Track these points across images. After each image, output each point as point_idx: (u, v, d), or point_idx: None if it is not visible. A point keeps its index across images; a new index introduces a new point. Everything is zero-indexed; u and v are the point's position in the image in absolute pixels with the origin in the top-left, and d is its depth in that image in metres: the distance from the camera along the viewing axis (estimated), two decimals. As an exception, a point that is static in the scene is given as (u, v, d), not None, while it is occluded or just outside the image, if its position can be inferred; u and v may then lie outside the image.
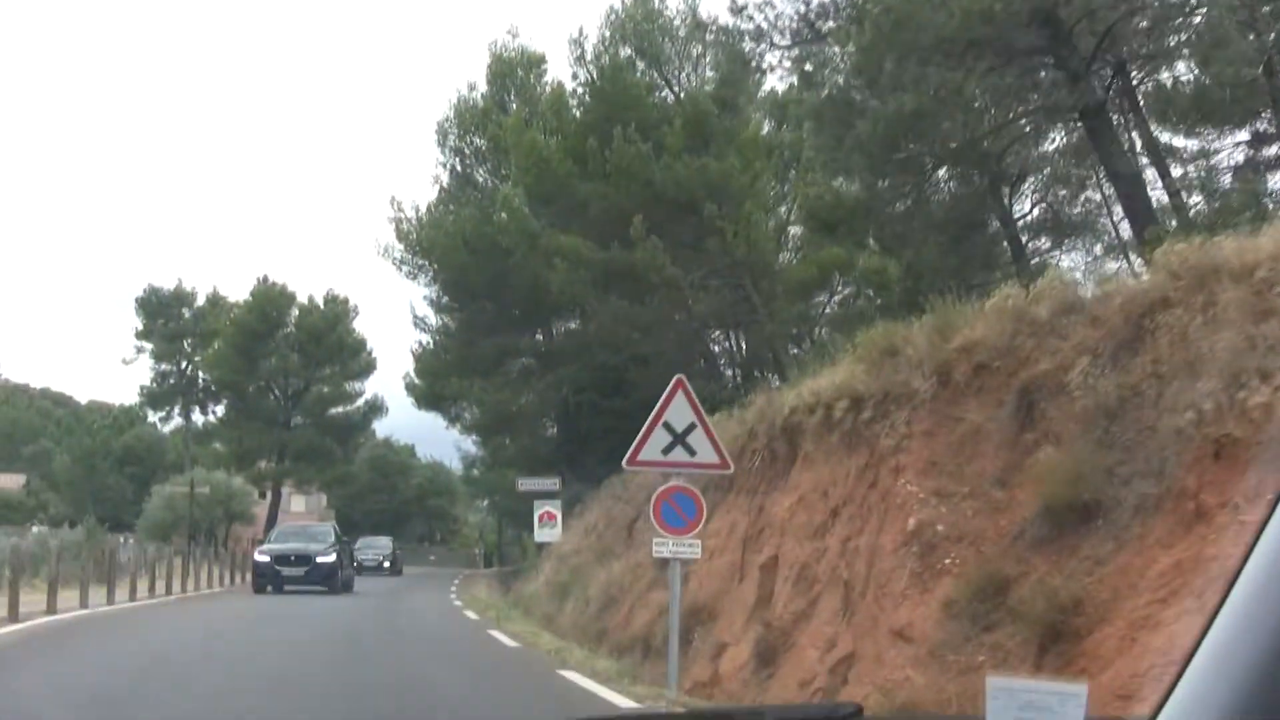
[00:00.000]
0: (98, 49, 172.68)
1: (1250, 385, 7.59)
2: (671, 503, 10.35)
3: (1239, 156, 22.90)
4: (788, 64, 23.18)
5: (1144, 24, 20.67)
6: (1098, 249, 28.00)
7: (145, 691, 10.99)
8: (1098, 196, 27.07)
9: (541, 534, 32.37)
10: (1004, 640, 9.02)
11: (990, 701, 2.04)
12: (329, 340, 71.12)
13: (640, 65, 37.97)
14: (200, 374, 76.24)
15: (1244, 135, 22.65)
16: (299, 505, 79.73)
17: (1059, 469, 9.53)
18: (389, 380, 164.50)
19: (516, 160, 38.13)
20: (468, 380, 44.66)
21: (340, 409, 74.01)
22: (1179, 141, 24.06)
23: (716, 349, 41.59)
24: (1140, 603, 7.66)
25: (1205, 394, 7.92)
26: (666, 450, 10.25)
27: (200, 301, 78.32)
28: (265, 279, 71.13)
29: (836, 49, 22.65)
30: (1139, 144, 23.97)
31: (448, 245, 42.04)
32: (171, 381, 77.73)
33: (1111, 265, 24.89)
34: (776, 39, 23.33)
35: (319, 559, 33.56)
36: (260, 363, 69.65)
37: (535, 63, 44.39)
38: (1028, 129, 23.46)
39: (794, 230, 39.96)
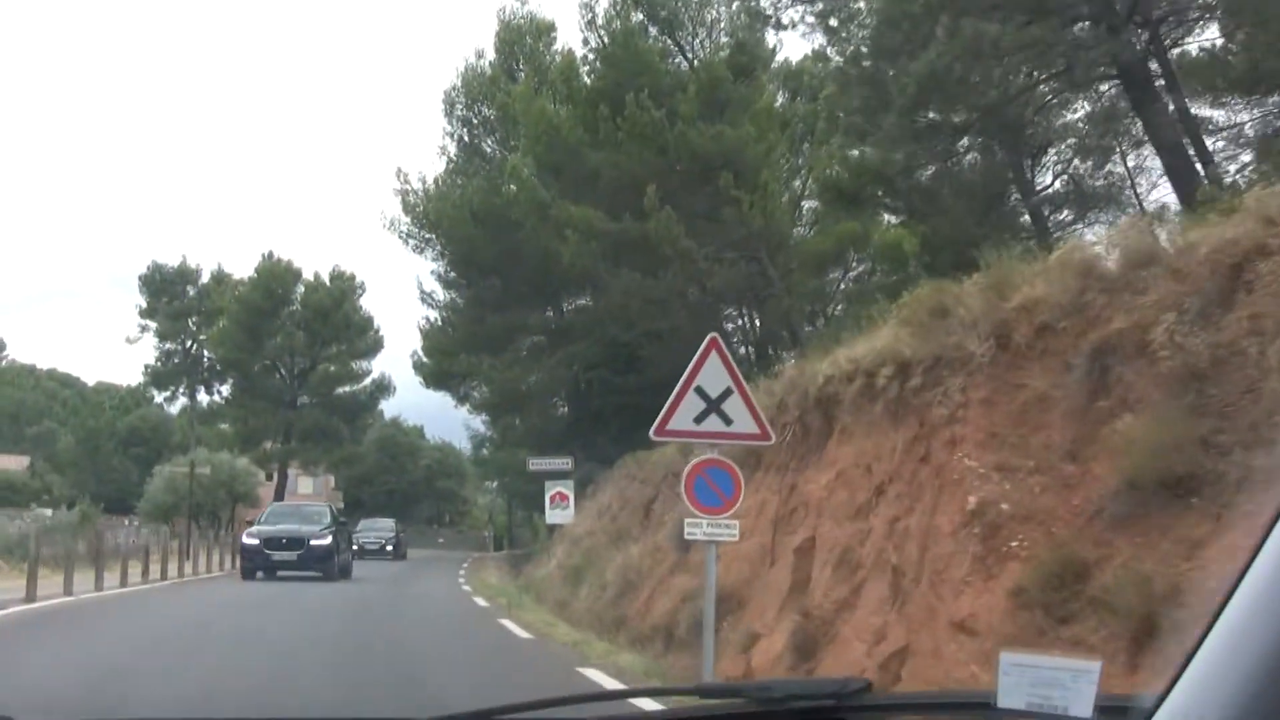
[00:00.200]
0: (97, 24, 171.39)
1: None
2: (705, 478, 9.15)
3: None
4: (810, 19, 21.91)
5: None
6: (1122, 222, 27.02)
7: (101, 694, 9.76)
8: (1121, 169, 26.63)
9: (553, 515, 31.46)
10: (1086, 634, 7.88)
11: (1002, 678, 2.05)
12: (335, 318, 69.97)
13: (653, 31, 36.81)
14: (205, 353, 75.15)
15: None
16: (306, 487, 78.64)
17: (1143, 439, 8.41)
18: (397, 360, 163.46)
19: (526, 129, 36.99)
20: (476, 357, 43.57)
21: (347, 388, 72.91)
22: (1207, 111, 23.32)
23: (730, 327, 40.58)
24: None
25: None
26: (699, 419, 9.06)
27: (205, 279, 77.16)
28: (270, 255, 70.23)
29: (863, 2, 21.50)
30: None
31: (455, 218, 40.93)
32: (176, 361, 76.55)
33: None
34: (798, -10, 22.19)
35: (313, 542, 30.88)
36: (266, 341, 68.48)
37: (545, 30, 43.30)
38: (1062, 88, 22.29)
39: (807, 205, 38.94)
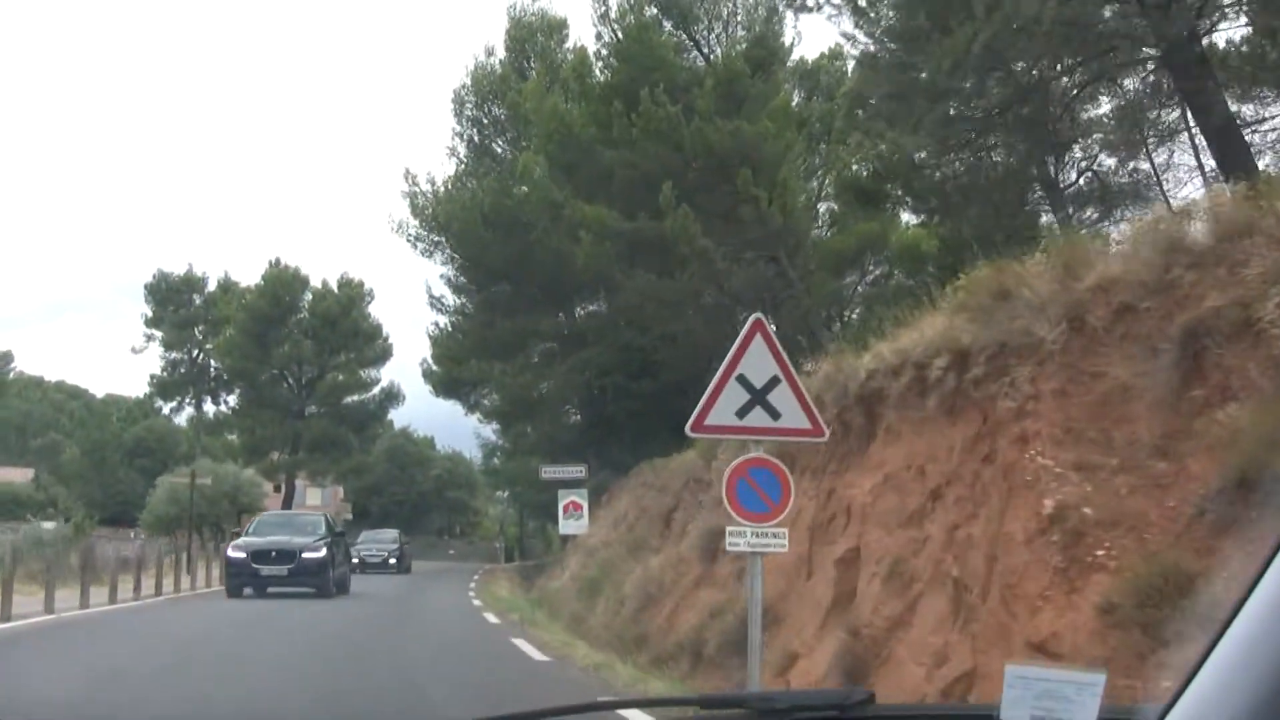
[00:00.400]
0: (98, 32, 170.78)
1: None
2: (749, 480, 7.95)
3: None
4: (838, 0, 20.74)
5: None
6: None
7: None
8: (1147, 166, 25.80)
9: (567, 525, 30.44)
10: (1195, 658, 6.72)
11: (1007, 690, 2.06)
12: (344, 325, 68.89)
13: (667, 26, 35.75)
14: (212, 362, 74.14)
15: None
16: (314, 498, 77.59)
17: (1252, 430, 7.30)
18: (406, 368, 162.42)
19: (537, 127, 35.95)
20: (487, 364, 42.54)
21: (356, 397, 71.78)
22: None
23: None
24: None
25: None
26: (742, 412, 7.87)
27: (211, 287, 76.15)
28: (278, 262, 69.11)
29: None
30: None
31: (465, 220, 39.83)
32: (182, 370, 75.55)
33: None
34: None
35: (305, 554, 28.21)
36: (273, 350, 67.39)
37: (556, 27, 42.34)
38: (1099, 71, 21.19)
39: (824, 207, 37.93)
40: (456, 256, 42.49)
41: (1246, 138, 21.42)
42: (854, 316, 36.35)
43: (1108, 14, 19.08)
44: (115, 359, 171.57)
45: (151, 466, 70.70)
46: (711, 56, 35.98)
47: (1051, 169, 26.23)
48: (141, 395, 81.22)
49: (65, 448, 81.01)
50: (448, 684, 12.09)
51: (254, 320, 66.76)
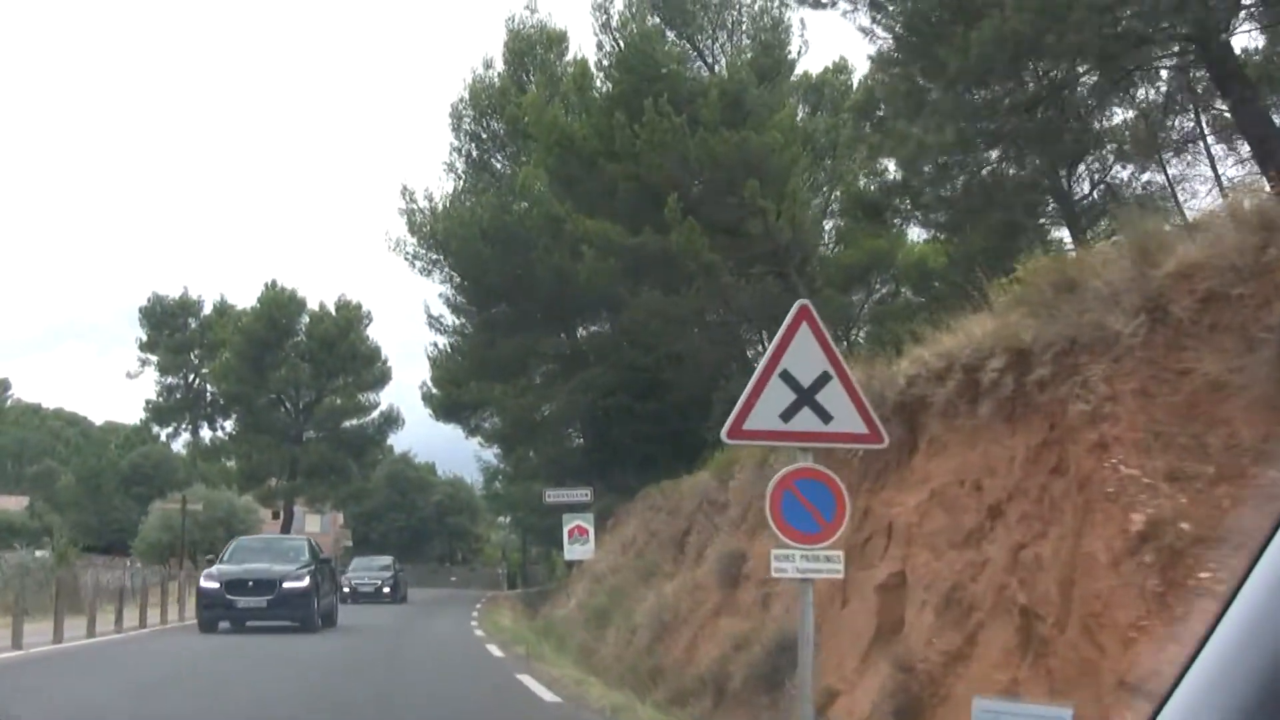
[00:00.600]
0: (90, 46, 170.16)
1: None
2: (796, 493, 6.78)
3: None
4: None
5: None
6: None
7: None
8: (1158, 179, 25.19)
9: (572, 550, 29.51)
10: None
11: None
12: (341, 348, 67.85)
13: (670, 35, 34.82)
14: (208, 387, 73.04)
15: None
16: (313, 524, 76.42)
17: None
18: (405, 392, 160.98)
19: (538, 140, 34.94)
20: (487, 385, 41.39)
21: (354, 421, 70.64)
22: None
23: (751, 354, 38.57)
24: None
25: None
26: (788, 415, 6.76)
27: (207, 310, 75.10)
28: (274, 284, 68.06)
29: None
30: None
31: (464, 237, 38.76)
32: (178, 395, 74.53)
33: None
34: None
35: (286, 584, 25.46)
36: (269, 373, 66.25)
37: (556, 40, 41.39)
38: (1131, 63, 20.24)
39: (829, 225, 37.05)
40: (455, 275, 41.46)
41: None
42: (861, 337, 35.38)
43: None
44: (115, 386, 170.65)
45: (148, 494, 69.57)
46: (716, 67, 35.10)
47: (1065, 181, 25.54)
48: (139, 422, 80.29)
49: (61, 475, 79.92)
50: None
51: (250, 344, 65.76)
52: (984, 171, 23.96)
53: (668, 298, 31.77)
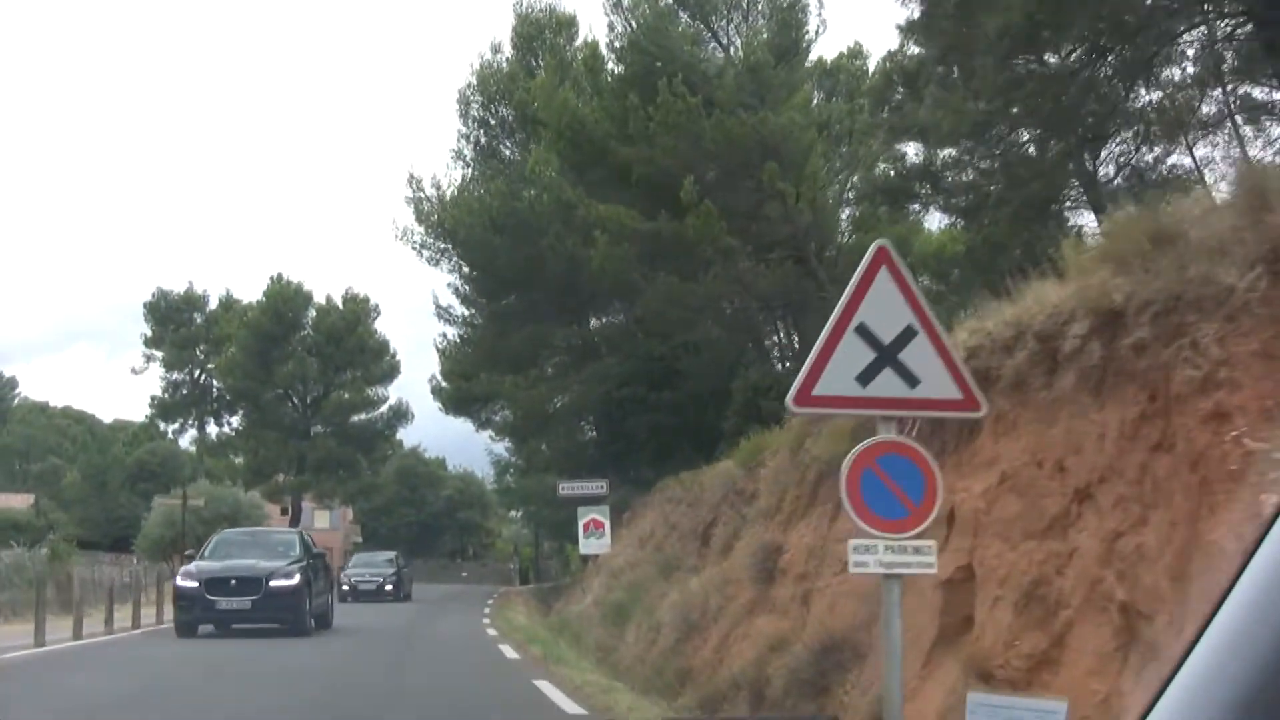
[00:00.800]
0: (90, 46, 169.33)
1: None
2: (879, 472, 5.64)
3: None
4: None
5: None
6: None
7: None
8: (1183, 161, 24.40)
9: (588, 545, 28.60)
10: None
11: (969, 716, 2.28)
12: (349, 342, 67.13)
13: (684, 16, 33.81)
14: (214, 382, 72.18)
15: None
16: (322, 521, 75.51)
17: None
18: (414, 386, 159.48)
19: (548, 124, 33.96)
20: (498, 377, 40.48)
21: (363, 416, 69.86)
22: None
23: (768, 343, 37.67)
24: None
25: None
26: (866, 376, 5.61)
27: (213, 304, 74.36)
28: (280, 277, 67.19)
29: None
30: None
31: (473, 225, 37.85)
32: (184, 392, 73.72)
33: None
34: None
35: (273, 582, 22.98)
36: (276, 368, 65.47)
37: (565, 24, 40.51)
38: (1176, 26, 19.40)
39: (845, 214, 36.00)
40: (464, 264, 40.62)
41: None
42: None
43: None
44: (125, 385, 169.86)
45: (154, 490, 68.86)
46: (731, 49, 34.10)
47: (1089, 163, 24.83)
48: (145, 419, 79.48)
49: (65, 472, 79.13)
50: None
51: (256, 338, 65.02)
52: (1008, 152, 23.42)
53: (684, 284, 30.78)
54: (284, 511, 68.67)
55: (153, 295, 73.90)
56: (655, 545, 22.63)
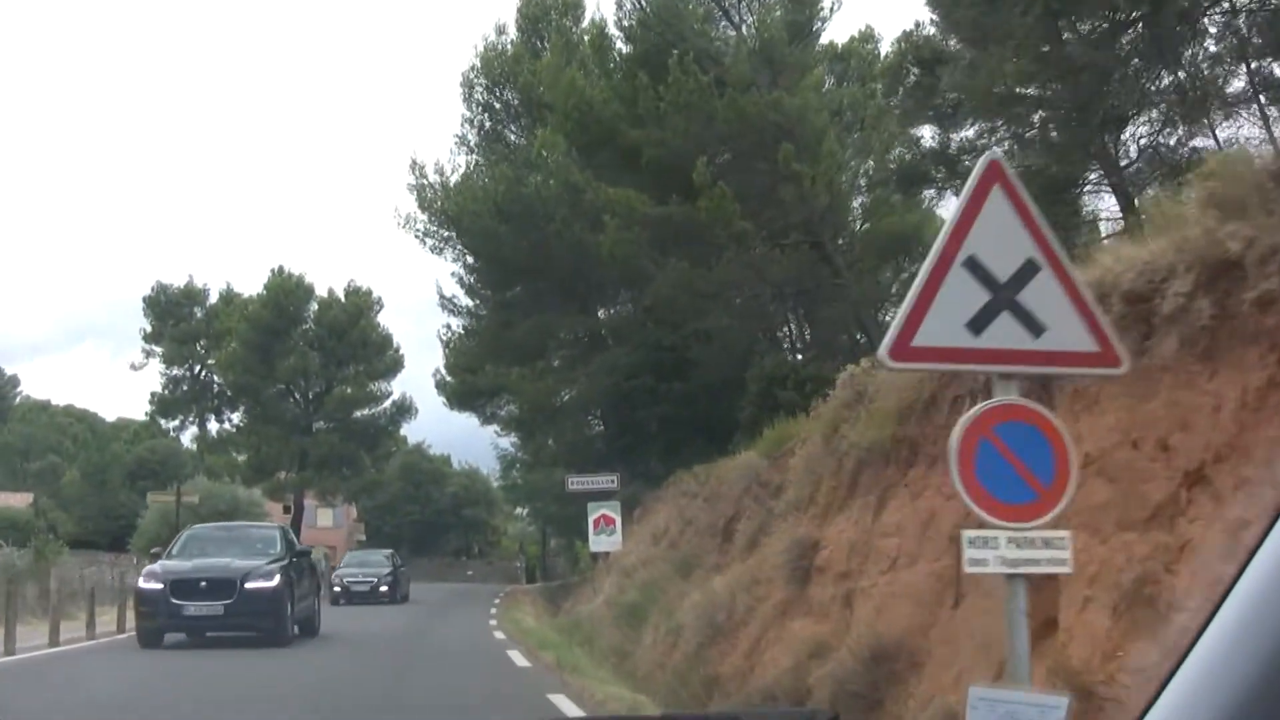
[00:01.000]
0: (90, 46, 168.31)
1: None
2: (998, 444, 4.37)
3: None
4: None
5: None
6: None
7: None
8: (1210, 144, 23.80)
9: (598, 542, 27.63)
10: None
11: (971, 712, 2.22)
12: (351, 336, 65.93)
13: (694, -6, 32.80)
14: (214, 378, 71.09)
15: None
16: (325, 519, 74.43)
17: None
18: (418, 381, 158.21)
19: (554, 105, 32.91)
20: (503, 369, 39.42)
21: (365, 411, 68.59)
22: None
23: (779, 334, 36.67)
24: None
25: None
26: (978, 323, 4.37)
27: (213, 299, 73.25)
28: (281, 270, 66.08)
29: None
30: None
31: (477, 212, 36.72)
32: (184, 388, 72.62)
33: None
34: None
35: (249, 585, 20.16)
36: (277, 363, 64.27)
37: (572, 5, 39.46)
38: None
39: (857, 202, 34.99)
40: (468, 252, 39.56)
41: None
42: (889, 318, 33.35)
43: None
44: (128, 384, 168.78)
45: (154, 488, 67.86)
46: (743, 27, 33.02)
47: (1111, 147, 23.99)
48: (145, 415, 78.52)
49: (65, 471, 78.17)
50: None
51: (257, 332, 63.86)
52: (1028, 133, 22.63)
53: (695, 270, 29.67)
54: (286, 509, 67.61)
55: (152, 289, 72.90)
56: (670, 542, 21.56)
